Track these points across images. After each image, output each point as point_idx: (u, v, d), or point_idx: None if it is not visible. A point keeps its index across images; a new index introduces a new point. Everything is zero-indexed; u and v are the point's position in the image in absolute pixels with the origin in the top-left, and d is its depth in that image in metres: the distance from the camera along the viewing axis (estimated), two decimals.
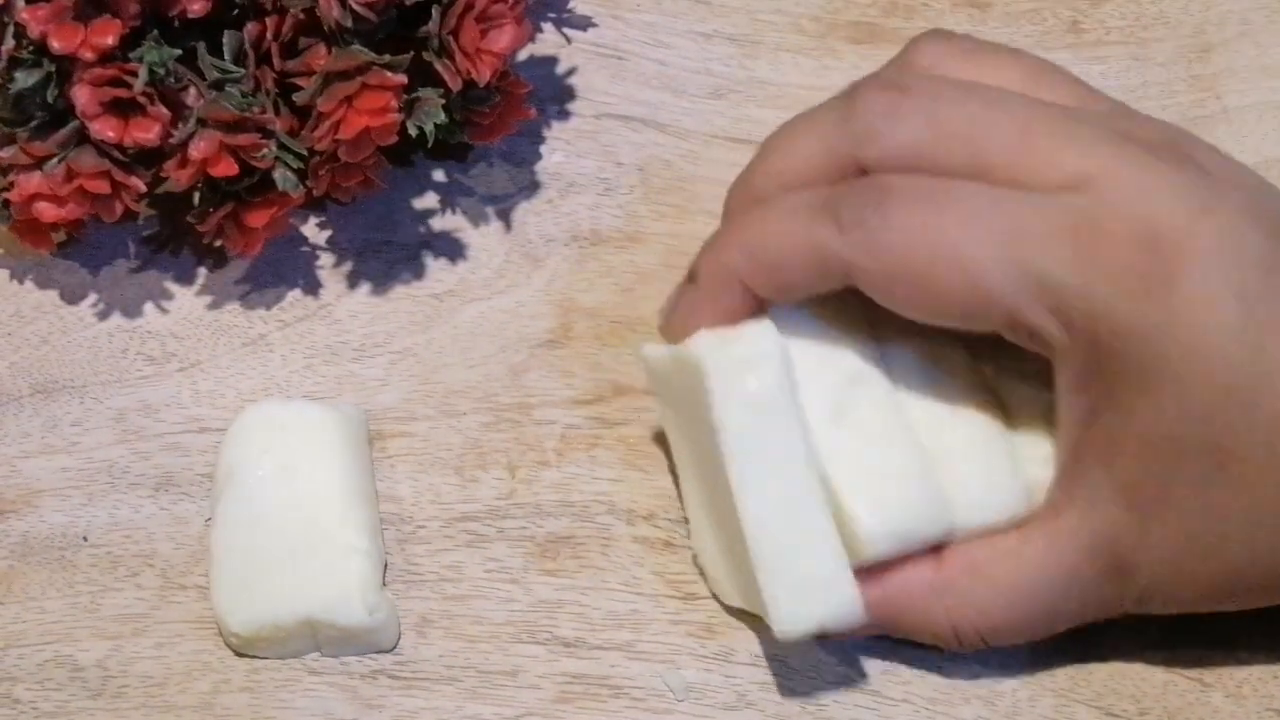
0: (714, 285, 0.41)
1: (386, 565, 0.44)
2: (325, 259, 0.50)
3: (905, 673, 0.43)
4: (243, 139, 0.44)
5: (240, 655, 0.43)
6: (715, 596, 0.44)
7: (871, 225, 0.39)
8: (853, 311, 0.42)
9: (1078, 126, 0.39)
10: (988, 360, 0.42)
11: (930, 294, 0.39)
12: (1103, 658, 0.43)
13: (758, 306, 0.41)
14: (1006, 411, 0.42)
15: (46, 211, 0.45)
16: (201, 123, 0.44)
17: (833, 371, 0.41)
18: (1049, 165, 0.38)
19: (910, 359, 0.42)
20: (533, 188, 0.51)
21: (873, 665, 0.43)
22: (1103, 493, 0.39)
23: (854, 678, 0.43)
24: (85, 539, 0.44)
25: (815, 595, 0.39)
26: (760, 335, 0.40)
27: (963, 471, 0.41)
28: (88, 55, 0.43)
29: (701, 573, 0.44)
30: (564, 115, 0.53)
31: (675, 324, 0.42)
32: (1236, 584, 0.39)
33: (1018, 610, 0.40)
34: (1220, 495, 0.37)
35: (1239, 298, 0.36)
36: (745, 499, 0.39)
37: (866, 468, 0.40)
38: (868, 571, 0.40)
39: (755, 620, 0.43)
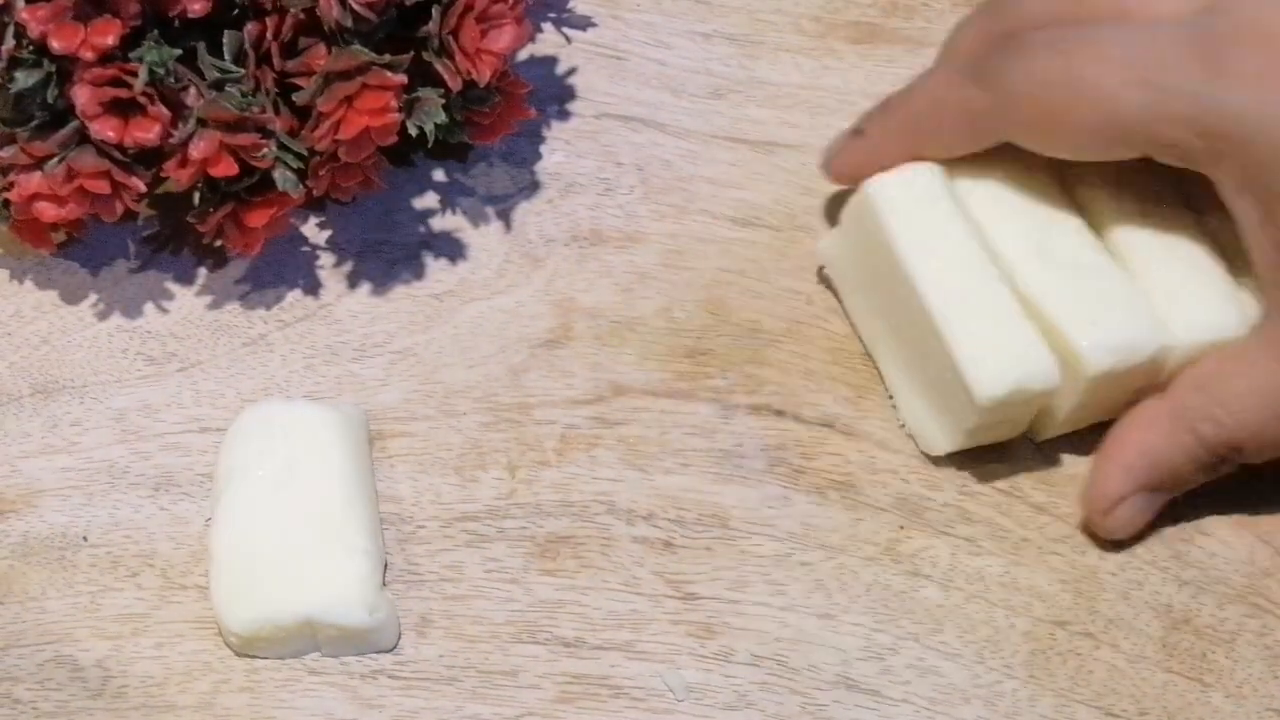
0: (880, 144, 0.46)
1: (386, 565, 0.44)
2: (325, 259, 0.50)
3: (905, 673, 0.43)
4: (243, 139, 0.44)
5: (240, 655, 0.43)
6: (926, 455, 0.46)
7: (1011, 78, 0.42)
8: (1043, 167, 0.45)
9: None
10: (1203, 205, 0.44)
11: (1072, 131, 0.41)
12: (1103, 658, 0.43)
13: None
14: (1224, 251, 0.44)
15: (46, 211, 0.45)
16: (201, 123, 0.44)
17: (1028, 218, 0.44)
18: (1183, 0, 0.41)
19: (1112, 202, 0.45)
20: (533, 188, 0.51)
21: (872, 665, 0.43)
22: None
23: (854, 678, 0.43)
24: (85, 539, 0.44)
25: (1010, 354, 0.42)
26: (921, 166, 0.45)
27: (1175, 291, 0.43)
28: (88, 55, 0.43)
29: (913, 437, 0.46)
30: (564, 115, 0.53)
31: (843, 170, 0.47)
32: None
33: (1256, 414, 0.41)
34: None
35: None
36: (929, 290, 0.43)
37: (1075, 295, 0.43)
38: (1114, 445, 0.43)
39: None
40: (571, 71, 0.54)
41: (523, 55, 0.54)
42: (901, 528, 0.45)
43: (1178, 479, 0.43)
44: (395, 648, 0.43)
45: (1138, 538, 0.45)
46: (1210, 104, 0.39)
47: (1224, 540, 0.45)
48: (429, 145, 0.47)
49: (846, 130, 0.48)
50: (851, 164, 0.47)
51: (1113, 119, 0.41)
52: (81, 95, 0.43)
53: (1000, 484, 0.46)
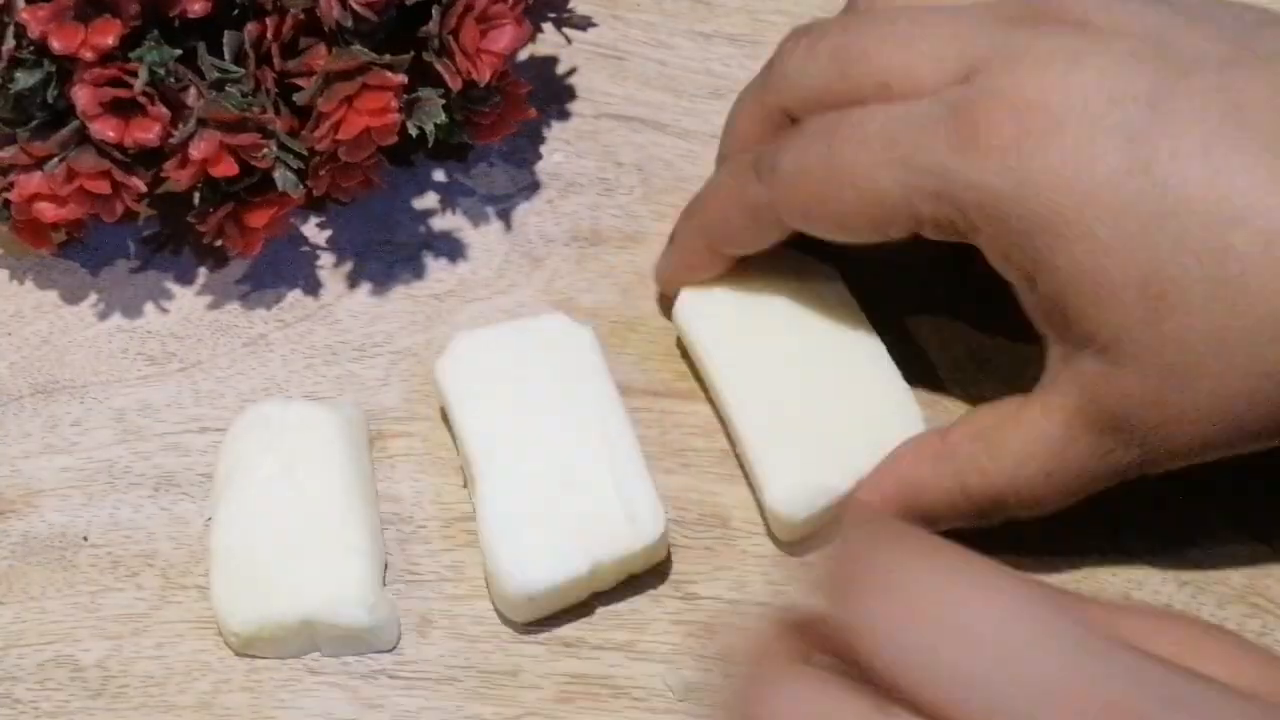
0: (684, 248, 0.47)
1: (387, 565, 0.44)
2: (325, 259, 0.50)
3: None
4: (243, 139, 0.44)
5: (240, 655, 0.43)
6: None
7: (782, 169, 0.42)
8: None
9: (963, 25, 0.40)
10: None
11: (839, 216, 0.41)
12: None
13: (727, 264, 0.46)
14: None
15: (47, 211, 0.45)
16: (202, 123, 0.44)
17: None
18: (937, 70, 0.40)
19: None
20: (533, 188, 0.51)
21: None
22: (1070, 348, 0.39)
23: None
24: (85, 539, 0.44)
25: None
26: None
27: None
28: (88, 55, 0.43)
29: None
30: (564, 115, 0.53)
31: (661, 280, 0.48)
32: (1224, 414, 0.38)
33: (1020, 471, 0.41)
34: (1173, 327, 0.37)
35: (1124, 138, 0.37)
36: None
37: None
38: (880, 471, 0.43)
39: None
40: (572, 71, 0.54)
41: (523, 55, 0.54)
42: None
43: (932, 519, 0.42)
44: (395, 648, 0.43)
45: (1137, 535, 0.45)
46: (961, 179, 0.38)
47: (1223, 539, 0.45)
48: (429, 145, 0.47)
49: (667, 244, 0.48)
50: (668, 273, 0.47)
51: (873, 200, 0.40)
52: (82, 95, 0.43)
53: None
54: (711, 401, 0.47)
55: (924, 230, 0.40)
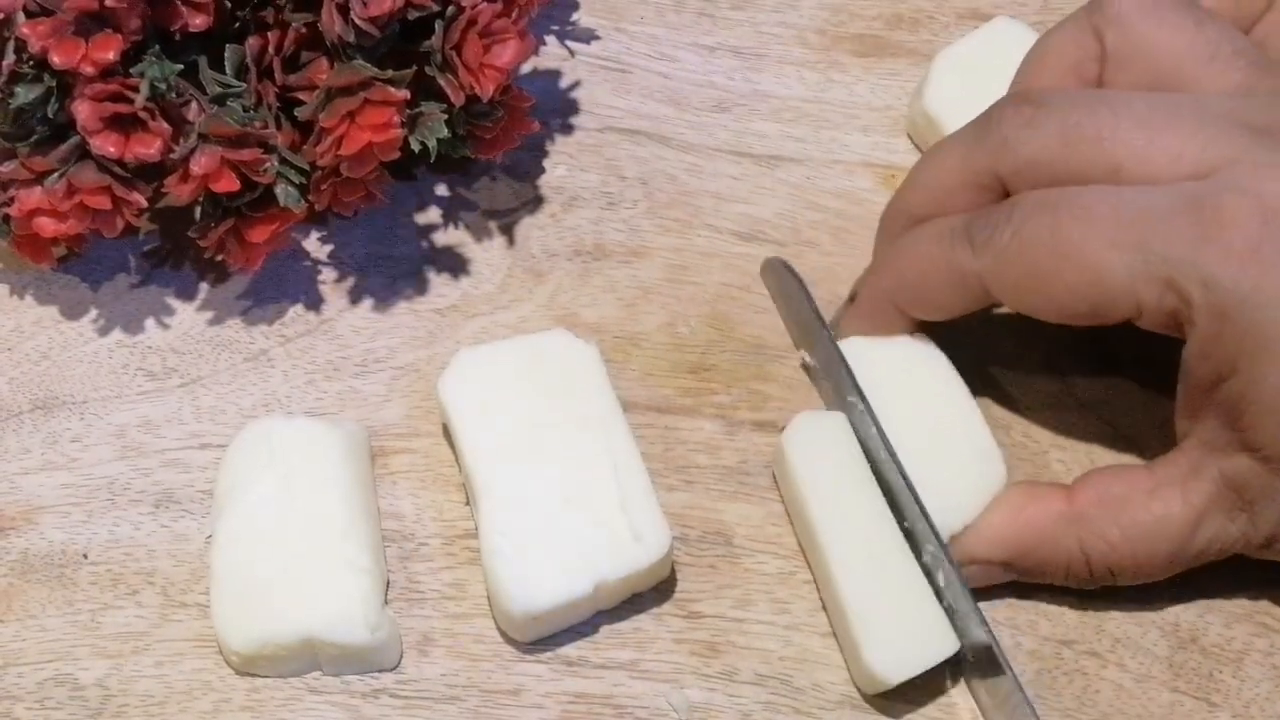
0: (870, 307, 0.46)
1: (388, 583, 0.44)
2: (327, 274, 0.50)
3: (910, 692, 0.42)
4: (244, 154, 0.44)
5: (241, 674, 0.42)
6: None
7: (1001, 239, 0.41)
8: None
9: (1205, 121, 0.40)
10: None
11: (1058, 294, 0.40)
12: (1109, 677, 0.43)
13: (911, 325, 0.45)
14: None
15: (47, 226, 0.45)
16: (203, 138, 0.44)
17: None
18: (1174, 163, 0.40)
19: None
20: (536, 202, 0.51)
21: None
22: (1230, 445, 0.40)
23: (856, 698, 0.42)
24: (85, 556, 0.44)
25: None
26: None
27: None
28: (89, 70, 0.43)
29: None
30: (567, 129, 0.53)
31: (845, 338, 0.46)
32: None
33: (1147, 546, 0.41)
34: None
35: None
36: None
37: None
38: (1001, 511, 0.43)
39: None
40: (575, 85, 0.54)
41: (526, 68, 0.54)
42: None
43: (1040, 573, 0.43)
44: (397, 666, 0.43)
45: None
46: (1199, 271, 0.38)
47: (1231, 558, 0.45)
48: (431, 160, 0.46)
49: (845, 301, 0.47)
50: (849, 332, 0.46)
51: (1095, 281, 0.39)
52: (82, 110, 0.43)
53: None
54: (793, 519, 0.45)
55: (1138, 316, 0.40)
